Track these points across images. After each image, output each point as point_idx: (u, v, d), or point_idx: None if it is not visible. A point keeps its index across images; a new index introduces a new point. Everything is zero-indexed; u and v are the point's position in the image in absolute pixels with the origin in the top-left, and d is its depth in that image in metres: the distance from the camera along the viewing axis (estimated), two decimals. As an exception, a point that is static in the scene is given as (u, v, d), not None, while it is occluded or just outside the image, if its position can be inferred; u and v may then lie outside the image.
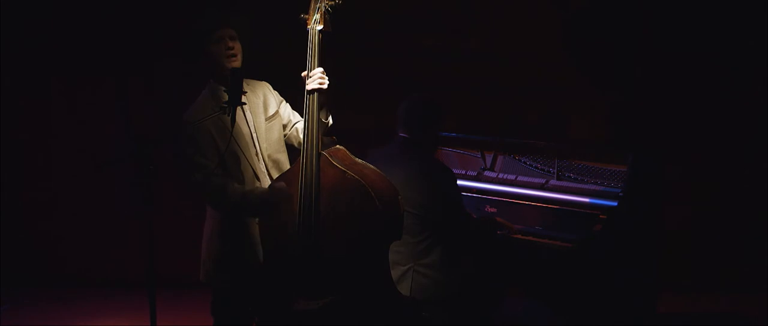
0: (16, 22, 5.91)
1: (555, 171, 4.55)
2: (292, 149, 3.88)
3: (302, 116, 3.67)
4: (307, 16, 3.63)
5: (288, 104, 3.91)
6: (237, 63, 3.64)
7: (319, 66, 3.61)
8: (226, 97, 3.51)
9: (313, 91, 3.58)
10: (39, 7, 5.90)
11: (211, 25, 3.61)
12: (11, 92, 6.00)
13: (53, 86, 6.03)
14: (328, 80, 3.60)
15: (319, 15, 3.61)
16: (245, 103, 3.66)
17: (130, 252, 5.85)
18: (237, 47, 3.64)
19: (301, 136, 3.71)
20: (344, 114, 3.79)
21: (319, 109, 3.60)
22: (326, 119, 3.66)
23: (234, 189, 3.59)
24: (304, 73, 3.62)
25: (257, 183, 3.70)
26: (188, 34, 3.69)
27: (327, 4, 3.62)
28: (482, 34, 5.87)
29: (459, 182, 4.25)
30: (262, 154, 3.73)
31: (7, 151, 6.04)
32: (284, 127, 3.87)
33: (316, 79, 3.57)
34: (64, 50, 5.95)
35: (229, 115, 3.52)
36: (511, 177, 4.66)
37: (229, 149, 3.61)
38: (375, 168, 3.59)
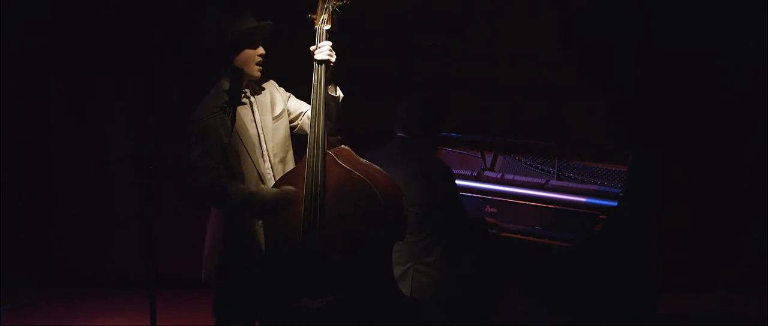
0: (16, 22, 5.91)
1: (555, 171, 4.55)
2: (299, 142, 3.87)
3: (309, 103, 3.69)
4: (314, 16, 3.65)
5: (293, 97, 3.92)
6: (260, 70, 3.68)
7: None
8: (228, 98, 3.52)
9: (321, 61, 3.59)
10: (39, 7, 5.90)
11: (256, 35, 3.63)
12: (11, 92, 6.01)
13: (53, 86, 6.03)
14: (336, 54, 3.62)
15: (326, 15, 3.63)
16: (244, 103, 3.66)
17: (130, 252, 5.85)
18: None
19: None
20: (344, 114, 3.79)
21: (327, 83, 3.61)
22: (336, 93, 3.67)
23: (237, 190, 3.58)
24: (312, 48, 3.63)
25: (261, 185, 3.70)
26: (216, 31, 3.67)
27: (335, 4, 3.64)
28: (482, 34, 5.87)
29: (459, 182, 4.26)
30: (268, 154, 3.73)
31: (7, 151, 6.04)
32: (296, 118, 3.86)
33: (325, 50, 3.59)
34: (64, 50, 5.95)
35: (229, 115, 3.53)
36: (511, 177, 4.65)
37: (231, 147, 3.61)
38: (379, 168, 3.60)
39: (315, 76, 3.61)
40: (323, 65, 3.60)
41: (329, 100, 3.63)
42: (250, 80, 3.72)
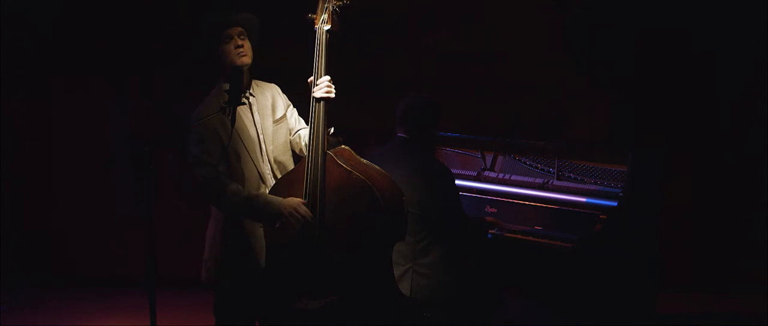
0: (16, 22, 5.91)
1: (555, 171, 4.55)
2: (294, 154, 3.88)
3: (307, 121, 3.67)
4: (314, 16, 3.62)
5: (295, 110, 3.91)
6: (247, 60, 3.63)
7: (326, 65, 3.60)
8: (227, 98, 3.52)
9: (320, 99, 3.57)
10: (39, 7, 5.90)
11: (221, 24, 3.61)
12: (11, 92, 6.00)
13: (53, 86, 6.03)
14: (335, 89, 3.59)
15: (326, 15, 3.60)
16: (244, 103, 3.66)
17: (130, 252, 5.85)
18: (247, 45, 3.64)
19: (303, 144, 3.73)
20: (344, 114, 3.79)
21: (326, 119, 3.59)
22: (328, 132, 3.65)
23: (237, 191, 3.58)
24: (310, 79, 3.61)
25: (262, 186, 3.70)
26: (198, 33, 3.68)
27: (335, 4, 3.61)
28: (482, 33, 5.86)
29: (459, 182, 4.26)
30: (268, 156, 3.73)
31: (8, 151, 6.04)
32: (290, 131, 3.87)
33: (324, 87, 3.57)
34: (64, 50, 5.95)
35: (229, 115, 3.53)
36: (511, 177, 4.66)
37: (231, 147, 3.61)
38: (380, 168, 3.59)
39: (312, 113, 3.57)
40: (322, 102, 3.57)
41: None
42: (251, 82, 3.72)
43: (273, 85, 3.85)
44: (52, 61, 5.98)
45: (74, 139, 6.03)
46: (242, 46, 3.62)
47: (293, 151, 3.88)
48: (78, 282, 5.99)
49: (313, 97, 3.58)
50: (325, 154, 3.56)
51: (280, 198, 3.56)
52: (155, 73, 5.89)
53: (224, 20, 3.61)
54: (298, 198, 3.55)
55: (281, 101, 3.82)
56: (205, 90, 3.75)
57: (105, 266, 6.05)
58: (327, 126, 3.62)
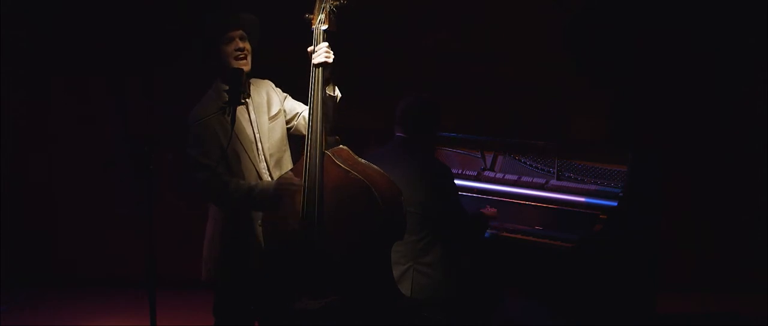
0: (16, 22, 5.91)
1: (555, 171, 4.55)
2: (296, 143, 3.87)
3: (306, 104, 3.68)
4: (312, 16, 3.63)
5: (290, 98, 3.91)
6: (247, 65, 3.65)
7: None
8: (227, 98, 3.52)
9: (319, 64, 3.57)
10: (39, 7, 5.90)
11: (222, 26, 3.61)
12: (11, 92, 6.00)
13: (53, 86, 6.03)
14: (334, 55, 3.60)
15: (324, 15, 3.60)
16: (244, 103, 3.66)
17: (130, 251, 5.85)
18: (247, 48, 3.65)
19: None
20: (344, 113, 3.79)
21: (325, 84, 3.60)
22: (334, 93, 3.66)
23: (237, 185, 3.59)
24: (310, 49, 3.62)
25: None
26: (199, 34, 3.68)
27: (332, 4, 3.61)
28: (482, 33, 5.87)
29: (459, 182, 4.25)
30: (264, 154, 3.73)
31: (8, 151, 6.04)
32: (292, 118, 3.86)
33: (322, 53, 3.57)
34: (64, 50, 5.96)
35: (228, 115, 3.53)
36: (511, 177, 4.65)
37: (230, 147, 3.61)
38: (378, 168, 3.59)
39: (312, 79, 3.59)
40: (320, 68, 3.59)
41: (327, 99, 3.62)
42: (249, 82, 3.72)
43: (267, 81, 3.85)
44: (52, 61, 5.98)
45: (74, 139, 6.03)
46: (243, 49, 3.63)
47: (297, 138, 3.87)
48: (78, 282, 5.99)
49: (313, 64, 3.58)
50: (322, 153, 3.55)
51: (275, 181, 3.60)
52: (155, 73, 5.90)
53: (225, 22, 3.62)
54: (289, 174, 3.57)
55: (276, 97, 3.82)
56: (205, 90, 3.75)
57: (105, 266, 6.05)
58: (334, 101, 3.63)
